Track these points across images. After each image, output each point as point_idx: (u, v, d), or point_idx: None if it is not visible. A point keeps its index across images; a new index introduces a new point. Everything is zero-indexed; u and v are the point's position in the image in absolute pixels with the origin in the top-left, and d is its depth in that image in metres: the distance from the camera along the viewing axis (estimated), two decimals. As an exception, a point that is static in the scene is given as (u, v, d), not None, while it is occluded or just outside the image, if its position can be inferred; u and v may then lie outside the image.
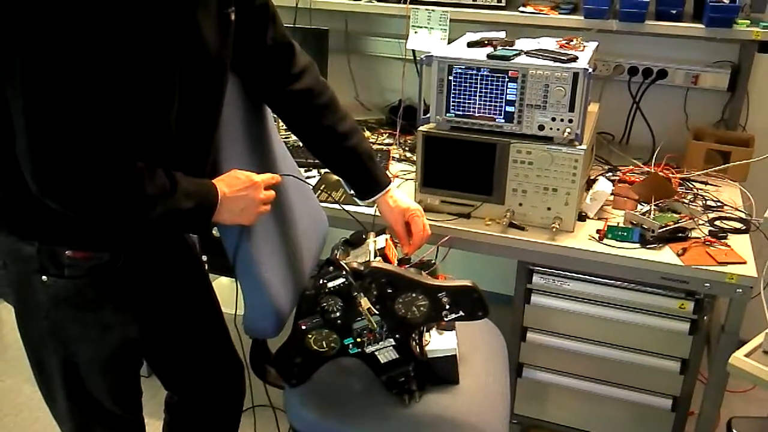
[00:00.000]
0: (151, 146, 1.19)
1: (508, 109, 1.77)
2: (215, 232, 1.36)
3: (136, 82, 1.11)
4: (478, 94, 1.78)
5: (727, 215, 1.92)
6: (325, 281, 1.35)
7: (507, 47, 1.84)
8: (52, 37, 1.02)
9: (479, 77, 1.77)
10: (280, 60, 1.46)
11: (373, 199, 1.59)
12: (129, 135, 1.14)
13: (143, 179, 1.14)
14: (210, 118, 1.30)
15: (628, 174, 2.15)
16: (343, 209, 1.72)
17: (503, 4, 2.22)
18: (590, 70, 1.69)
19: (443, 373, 1.50)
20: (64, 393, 1.38)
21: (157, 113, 1.18)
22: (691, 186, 2.09)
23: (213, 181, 1.27)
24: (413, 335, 1.43)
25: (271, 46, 1.42)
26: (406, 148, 2.35)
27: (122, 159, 1.13)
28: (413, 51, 2.37)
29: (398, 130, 2.40)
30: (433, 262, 1.49)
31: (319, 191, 2.00)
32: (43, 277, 1.26)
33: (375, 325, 1.37)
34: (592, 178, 2.04)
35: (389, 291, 1.36)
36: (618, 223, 1.84)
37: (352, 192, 1.60)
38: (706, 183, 2.12)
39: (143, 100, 1.14)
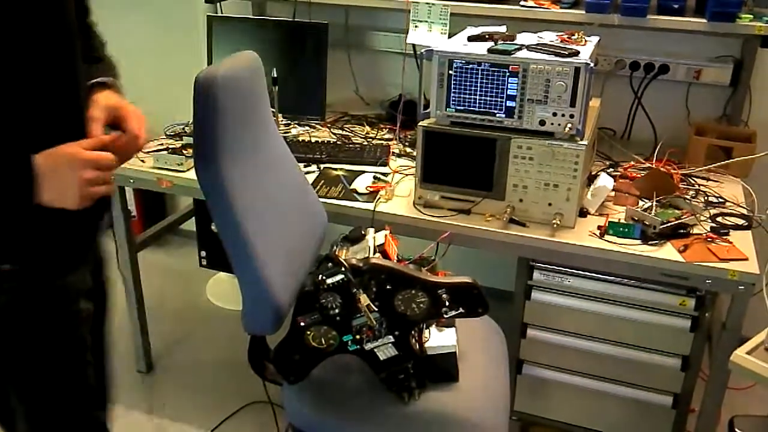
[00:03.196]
0: (15, 118, 1.07)
1: (509, 104, 1.75)
2: (213, 227, 1.35)
3: None
4: (478, 88, 1.76)
5: (729, 211, 1.91)
6: (324, 277, 1.35)
7: (508, 41, 1.83)
8: None
9: (480, 72, 1.75)
10: None
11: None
12: None
13: None
14: (67, 71, 1.14)
15: (629, 170, 2.14)
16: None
17: (504, -2, 2.21)
18: (592, 64, 1.67)
19: (443, 370, 1.49)
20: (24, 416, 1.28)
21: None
22: (693, 182, 2.08)
23: (37, 155, 1.08)
24: (413, 332, 1.42)
25: None
26: (406, 143, 2.33)
27: None
28: (413, 45, 2.35)
29: (398, 125, 2.39)
30: (432, 258, 1.48)
31: (318, 187, 1.99)
32: None
33: (374, 322, 1.37)
34: (593, 173, 2.02)
35: (388, 287, 1.35)
36: (619, 219, 1.83)
37: None
38: (707, 179, 2.11)
39: None
